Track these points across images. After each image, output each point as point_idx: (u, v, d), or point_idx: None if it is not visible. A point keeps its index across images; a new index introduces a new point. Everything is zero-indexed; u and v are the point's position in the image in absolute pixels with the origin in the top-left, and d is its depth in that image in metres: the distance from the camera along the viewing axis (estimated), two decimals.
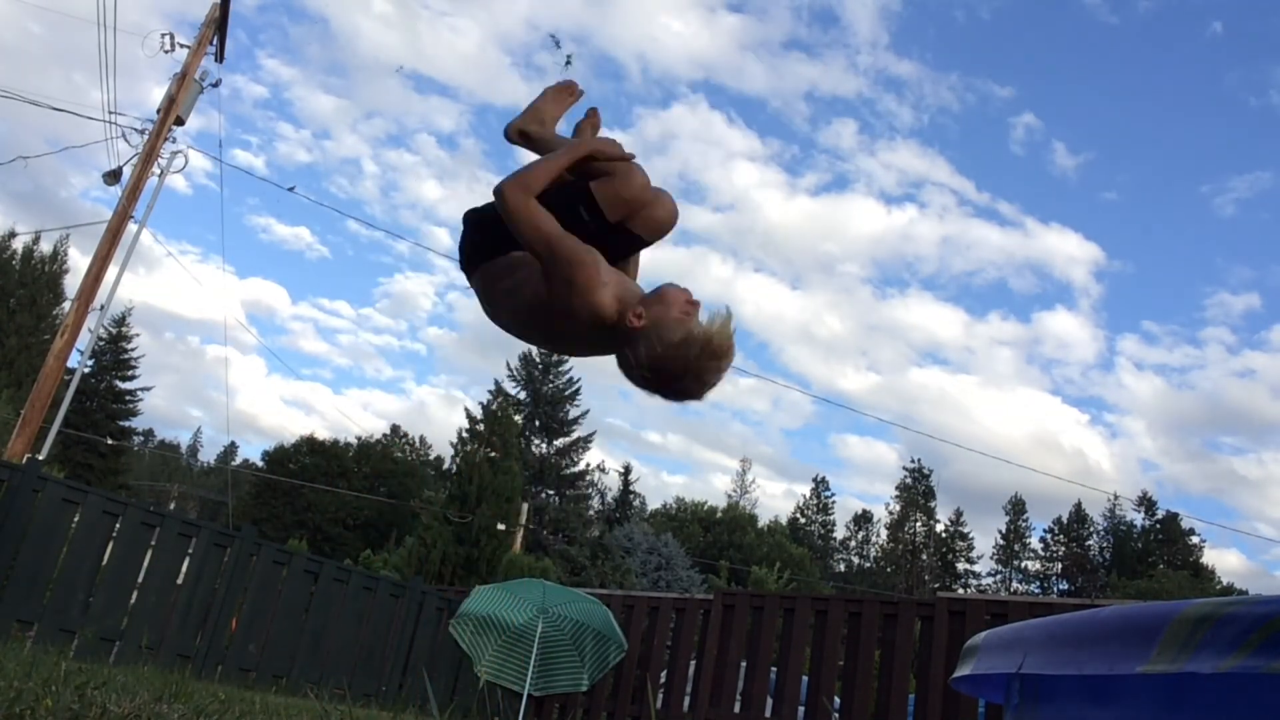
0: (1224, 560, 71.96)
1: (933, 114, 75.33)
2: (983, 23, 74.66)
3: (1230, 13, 68.93)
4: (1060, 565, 57.78)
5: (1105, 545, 58.02)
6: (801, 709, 6.29)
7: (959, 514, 60.31)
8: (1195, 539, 53.59)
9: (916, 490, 60.45)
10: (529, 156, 2.37)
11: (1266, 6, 66.26)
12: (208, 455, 71.61)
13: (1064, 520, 58.24)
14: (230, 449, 68.15)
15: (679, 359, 1.92)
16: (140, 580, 6.43)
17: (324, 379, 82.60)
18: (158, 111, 12.37)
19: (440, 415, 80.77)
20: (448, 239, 73.06)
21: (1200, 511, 78.98)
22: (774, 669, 6.53)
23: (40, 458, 9.81)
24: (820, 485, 64.51)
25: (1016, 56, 77.42)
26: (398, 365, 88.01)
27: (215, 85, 12.99)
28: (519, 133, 2.41)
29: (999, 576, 58.28)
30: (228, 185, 51.45)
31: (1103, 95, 75.44)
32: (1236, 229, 71.70)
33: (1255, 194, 69.95)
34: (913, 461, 61.89)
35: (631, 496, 47.13)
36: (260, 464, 52.00)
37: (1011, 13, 75.48)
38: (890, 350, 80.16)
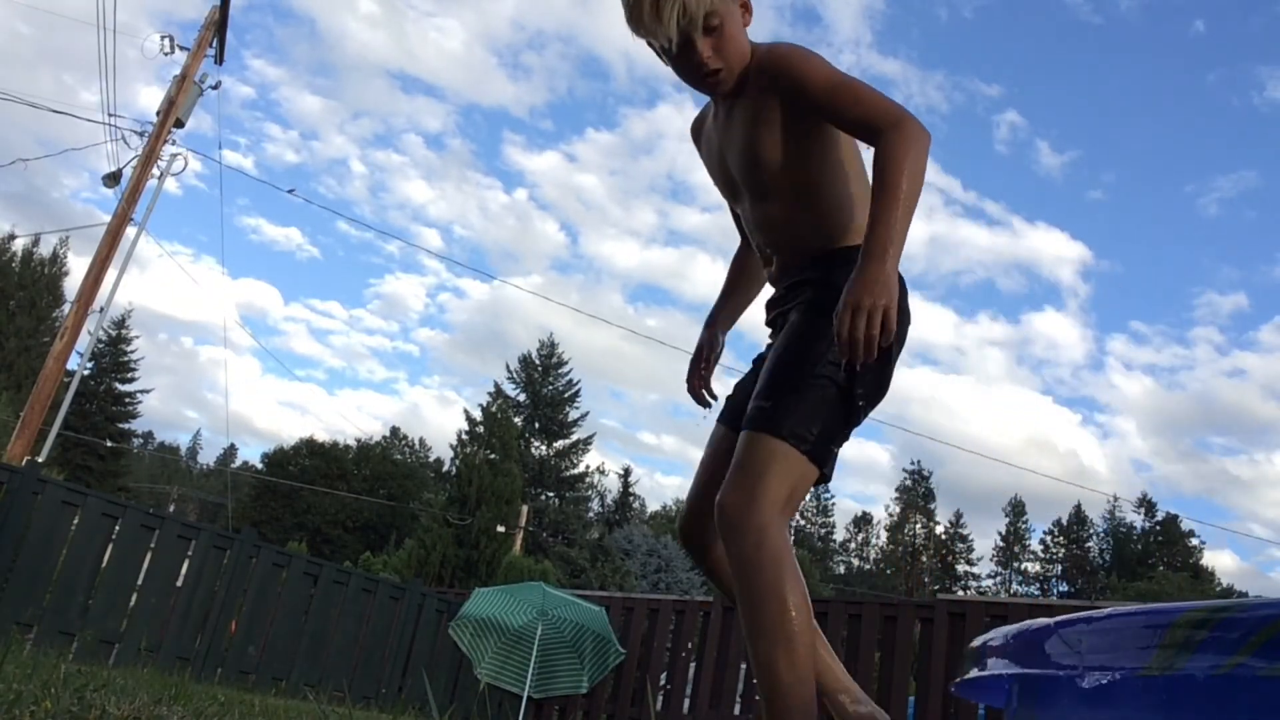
0: (1218, 561, 72.01)
1: (917, 112, 75.50)
2: (966, 21, 74.88)
3: (1212, 12, 69.12)
4: (1060, 567, 57.77)
5: (1105, 547, 58.02)
6: None
7: (958, 516, 60.31)
8: (1195, 541, 53.62)
9: (916, 492, 60.44)
10: None
11: (1248, 6, 66.47)
12: (207, 457, 71.64)
13: (1064, 522, 58.24)
14: (230, 451, 68.20)
15: None
16: (140, 583, 6.43)
17: (318, 380, 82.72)
18: (157, 114, 12.38)
19: (434, 416, 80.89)
20: (438, 239, 73.29)
21: (1193, 512, 79.13)
22: None
23: (40, 460, 9.81)
24: (819, 487, 64.52)
25: (999, 55, 77.72)
26: (391, 366, 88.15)
27: (215, 88, 13.01)
28: None
29: (999, 578, 58.28)
30: (219, 186, 51.51)
31: (1086, 94, 75.69)
32: (1222, 229, 71.91)
33: (1239, 193, 70.19)
34: (912, 463, 61.94)
35: (631, 499, 47.12)
36: (259, 466, 52.01)
37: (994, 11, 75.71)
38: None
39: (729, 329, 2.08)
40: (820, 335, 1.64)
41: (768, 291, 1.95)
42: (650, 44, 1.76)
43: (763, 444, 1.61)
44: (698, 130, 2.02)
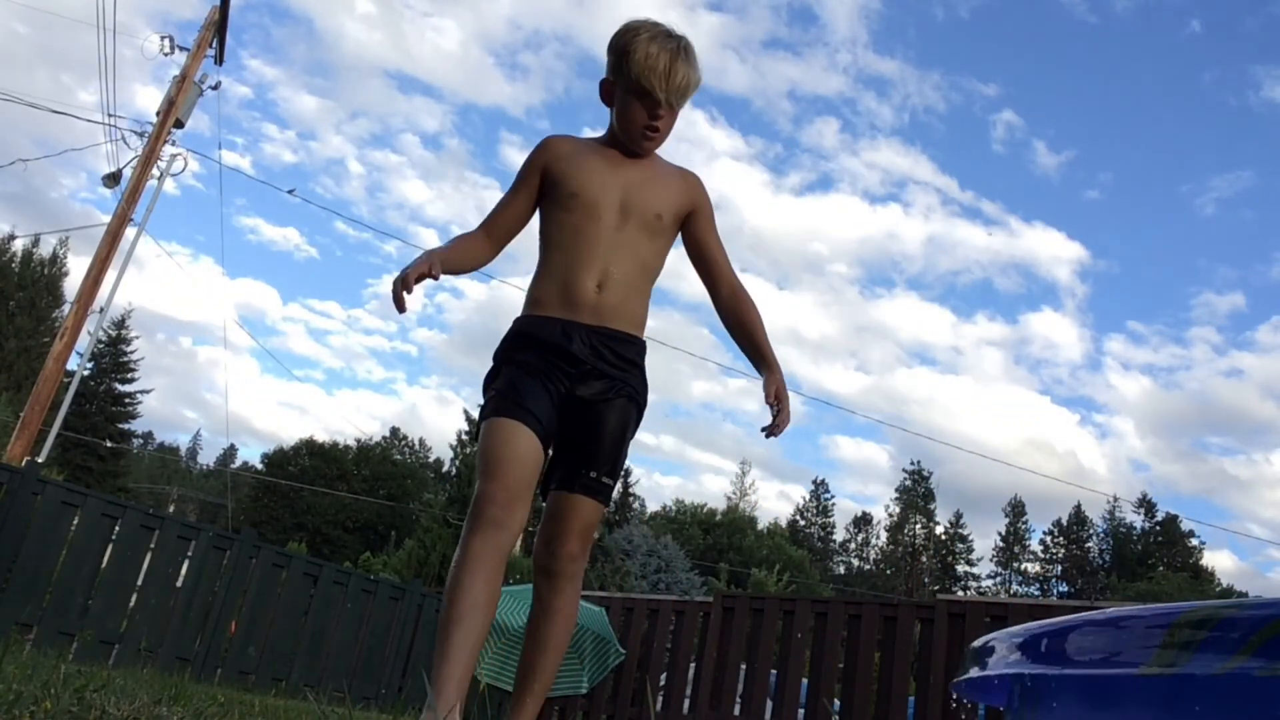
0: (1216, 561, 71.94)
1: (914, 112, 75.70)
2: (962, 21, 74.98)
3: (1209, 12, 69.20)
4: (1060, 567, 57.79)
5: (1105, 547, 58.02)
6: (801, 711, 6.28)
7: (958, 516, 60.33)
8: (1195, 541, 53.61)
9: (916, 492, 60.44)
10: None
11: (1244, 6, 66.55)
12: (206, 458, 71.67)
13: (1063, 522, 58.25)
14: (229, 451, 68.24)
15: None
16: (139, 583, 6.43)
17: (316, 380, 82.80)
18: (156, 114, 12.38)
19: (433, 416, 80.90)
20: (436, 239, 73.33)
21: (1192, 512, 79.08)
22: (774, 671, 6.52)
23: (40, 460, 9.81)
24: (820, 488, 64.54)
25: (996, 54, 77.80)
26: (390, 366, 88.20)
27: (214, 88, 13.01)
28: None
29: (999, 579, 58.29)
30: (217, 186, 51.46)
31: (1083, 94, 75.75)
32: (1218, 228, 71.98)
33: (1236, 193, 70.27)
34: (912, 464, 61.94)
35: (631, 499, 47.14)
36: (259, 466, 52.02)
37: (991, 11, 75.80)
38: (879, 351, 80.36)
39: (443, 272, 2.21)
40: (633, 428, 2.14)
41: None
42: (634, 81, 2.10)
43: (599, 515, 2.11)
44: (569, 146, 2.25)
